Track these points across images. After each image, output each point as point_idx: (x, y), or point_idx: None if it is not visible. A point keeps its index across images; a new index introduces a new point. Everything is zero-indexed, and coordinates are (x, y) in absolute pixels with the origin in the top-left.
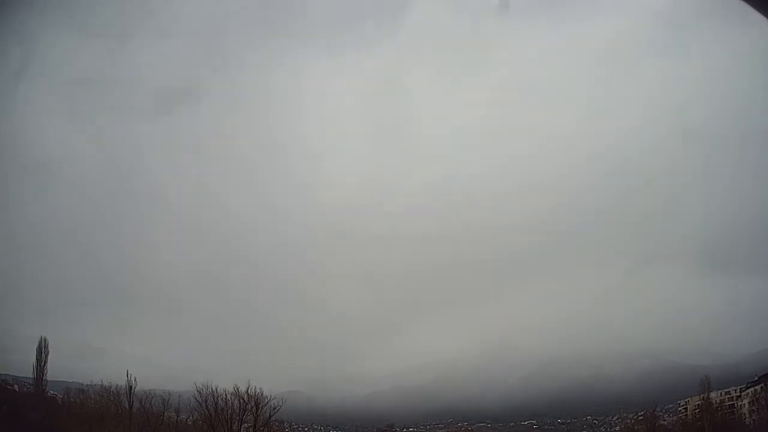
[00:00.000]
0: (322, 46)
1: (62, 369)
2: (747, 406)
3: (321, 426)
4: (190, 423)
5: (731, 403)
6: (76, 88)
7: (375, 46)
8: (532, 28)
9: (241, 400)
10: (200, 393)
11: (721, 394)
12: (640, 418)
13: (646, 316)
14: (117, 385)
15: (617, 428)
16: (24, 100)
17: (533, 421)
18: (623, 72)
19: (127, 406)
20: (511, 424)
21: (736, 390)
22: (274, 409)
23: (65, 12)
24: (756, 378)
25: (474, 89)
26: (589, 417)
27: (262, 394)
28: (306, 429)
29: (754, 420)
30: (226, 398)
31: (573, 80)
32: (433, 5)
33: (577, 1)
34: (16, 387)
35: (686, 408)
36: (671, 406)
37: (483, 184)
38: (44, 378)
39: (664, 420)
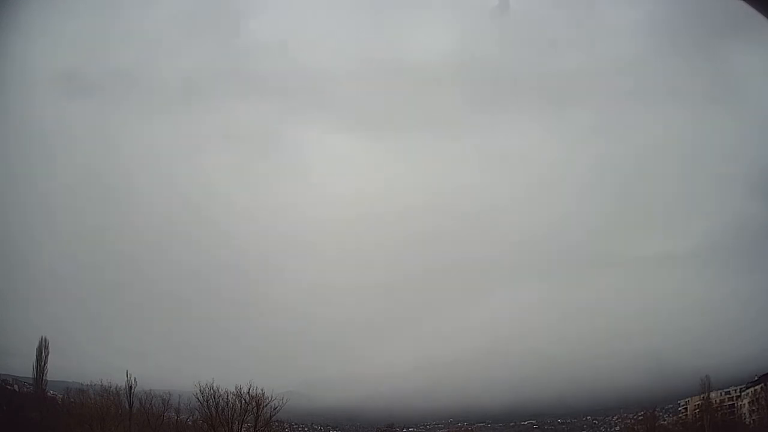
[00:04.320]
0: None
1: (62, 369)
2: (747, 406)
3: (321, 426)
4: (190, 423)
5: (731, 403)
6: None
7: None
8: None
9: (243, 401)
10: (202, 393)
11: (721, 394)
12: (640, 418)
13: (645, 316)
14: (117, 385)
15: (617, 428)
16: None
17: (533, 421)
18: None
19: (127, 406)
20: (511, 424)
21: (736, 390)
22: (275, 409)
23: None
24: (756, 378)
25: None
26: (589, 417)
27: (263, 395)
28: (306, 429)
29: (754, 420)
30: (227, 398)
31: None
32: None
33: None
34: (16, 387)
35: (686, 408)
36: (671, 406)
37: (480, 189)
38: (44, 378)
39: (664, 420)
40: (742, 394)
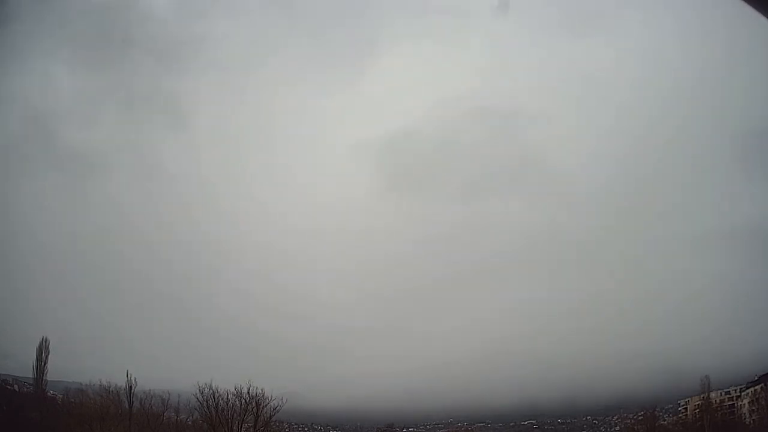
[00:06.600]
0: None
1: (62, 369)
2: (747, 406)
3: (321, 426)
4: (190, 423)
5: (731, 403)
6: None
7: None
8: None
9: (243, 401)
10: (201, 393)
11: (721, 394)
12: (640, 418)
13: (645, 316)
14: (117, 385)
15: (617, 428)
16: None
17: (533, 421)
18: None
19: (127, 406)
20: (511, 424)
21: (736, 390)
22: (275, 409)
23: None
24: (756, 378)
25: None
26: (589, 417)
27: (263, 395)
28: (306, 429)
29: (754, 420)
30: (227, 398)
31: None
32: None
33: None
34: (16, 387)
35: (686, 408)
36: (671, 406)
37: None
38: (44, 378)
39: (664, 420)
40: (742, 394)
